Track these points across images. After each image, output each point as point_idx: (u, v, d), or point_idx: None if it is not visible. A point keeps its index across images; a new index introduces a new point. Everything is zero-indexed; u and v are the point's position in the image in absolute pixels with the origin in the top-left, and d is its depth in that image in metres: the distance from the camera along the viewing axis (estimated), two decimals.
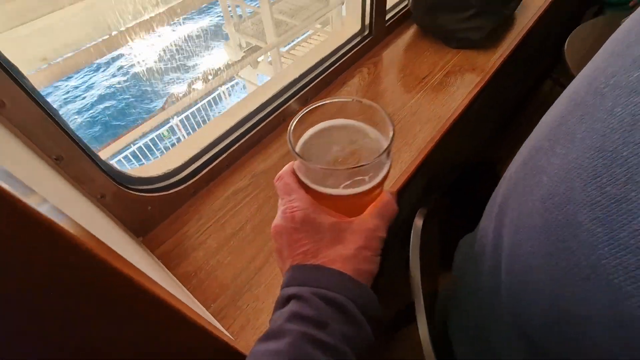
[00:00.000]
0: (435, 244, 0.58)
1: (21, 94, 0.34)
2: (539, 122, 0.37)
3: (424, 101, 0.71)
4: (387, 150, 0.28)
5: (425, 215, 0.50)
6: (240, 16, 3.97)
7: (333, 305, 0.25)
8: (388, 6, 0.84)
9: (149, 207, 0.53)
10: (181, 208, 0.57)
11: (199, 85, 3.08)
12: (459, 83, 0.74)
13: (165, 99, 2.91)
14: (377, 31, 0.84)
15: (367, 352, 0.26)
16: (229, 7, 3.88)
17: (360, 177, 0.29)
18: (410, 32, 0.88)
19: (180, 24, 5.70)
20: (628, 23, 0.31)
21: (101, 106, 5.55)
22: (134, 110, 4.70)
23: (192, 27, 5.93)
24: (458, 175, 0.85)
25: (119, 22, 2.66)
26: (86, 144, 0.40)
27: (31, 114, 0.35)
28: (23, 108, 0.34)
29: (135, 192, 0.50)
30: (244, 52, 3.71)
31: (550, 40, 1.10)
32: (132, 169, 0.59)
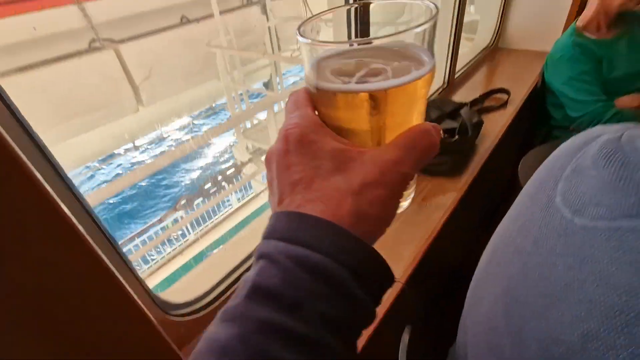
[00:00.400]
0: (427, 354, 0.67)
1: (115, 256, 0.48)
2: (480, 259, 0.51)
3: (407, 224, 0.87)
4: (429, 27, 0.21)
5: (412, 330, 0.61)
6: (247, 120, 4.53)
7: (315, 274, 0.17)
8: None
9: (183, 329, 0.63)
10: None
11: (209, 187, 3.37)
12: (434, 206, 0.91)
13: (177, 199, 3.15)
14: None
15: (362, 331, 0.20)
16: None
17: (382, 66, 0.21)
18: None
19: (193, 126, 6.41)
20: (514, 206, 0.48)
21: (112, 200, 5.86)
22: (146, 207, 4.99)
23: (203, 128, 6.65)
24: (443, 285, 0.95)
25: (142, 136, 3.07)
26: (150, 288, 0.54)
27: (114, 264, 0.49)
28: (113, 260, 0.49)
29: (174, 317, 0.61)
30: (250, 153, 4.14)
31: (509, 161, 1.32)
32: (167, 292, 0.72)
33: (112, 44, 2.51)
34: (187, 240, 3.29)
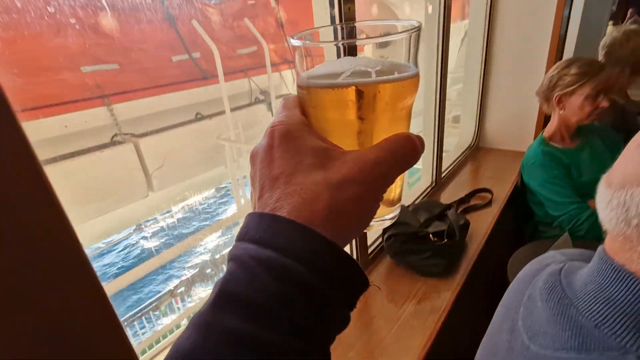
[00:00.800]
0: None
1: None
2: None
3: (404, 329, 0.90)
4: (414, 32, 0.22)
5: None
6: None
7: (283, 279, 0.17)
8: (368, 242, 1.15)
9: None
10: None
11: (209, 270, 3.35)
12: (429, 310, 0.95)
13: (177, 282, 3.10)
14: (363, 262, 1.12)
15: (336, 336, 0.19)
16: (241, 197, 4.63)
17: (364, 68, 0.23)
18: (387, 260, 1.16)
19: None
20: (496, 316, 0.55)
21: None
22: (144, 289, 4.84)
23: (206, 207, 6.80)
24: None
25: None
26: None
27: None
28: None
29: None
30: None
31: (499, 258, 1.39)
32: None
33: (132, 138, 2.78)
34: (181, 328, 3.14)
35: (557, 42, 1.72)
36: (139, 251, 5.24)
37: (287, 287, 0.17)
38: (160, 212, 3.28)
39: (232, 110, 3.26)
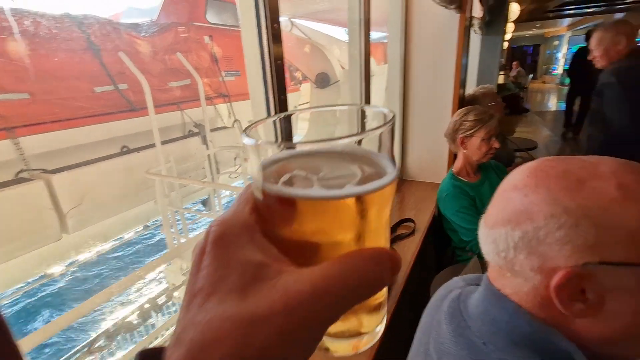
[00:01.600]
0: None
1: None
2: None
3: None
4: (387, 128, 0.19)
5: None
6: (183, 241, 4.41)
7: None
8: None
9: None
10: None
11: (133, 318, 3.01)
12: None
13: (95, 336, 2.69)
14: None
15: None
16: (173, 238, 4.33)
17: (328, 175, 0.19)
18: None
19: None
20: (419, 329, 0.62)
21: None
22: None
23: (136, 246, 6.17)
24: None
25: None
26: None
27: None
28: None
29: None
30: (183, 274, 3.91)
31: (425, 283, 1.53)
32: None
33: (44, 174, 2.48)
34: None
35: (459, 87, 2.02)
36: (47, 300, 4.51)
37: None
38: (75, 256, 2.91)
39: (164, 143, 3.12)
